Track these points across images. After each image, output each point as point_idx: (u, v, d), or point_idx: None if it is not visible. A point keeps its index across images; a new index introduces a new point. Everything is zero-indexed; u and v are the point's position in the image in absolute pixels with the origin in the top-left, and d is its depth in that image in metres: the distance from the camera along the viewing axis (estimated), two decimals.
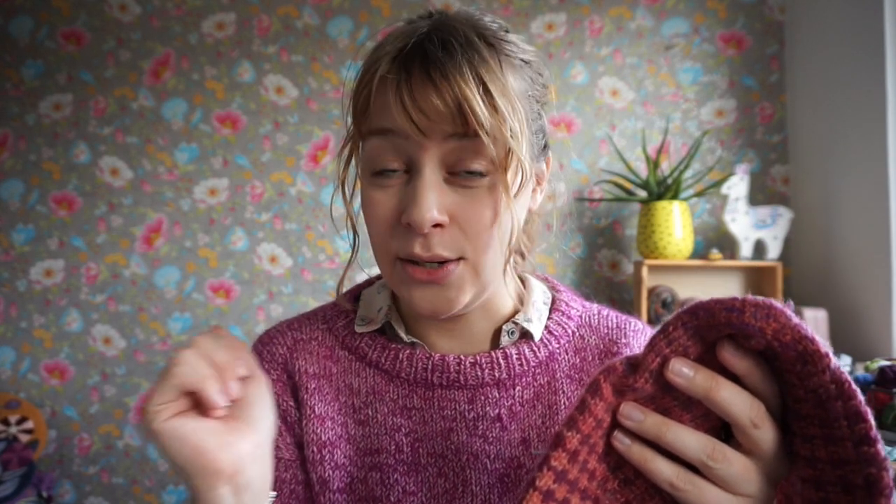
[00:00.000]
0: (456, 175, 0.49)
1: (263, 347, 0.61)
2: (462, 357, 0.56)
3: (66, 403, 2.06)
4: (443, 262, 0.50)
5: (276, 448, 0.55)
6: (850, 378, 0.35)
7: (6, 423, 1.95)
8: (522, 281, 0.63)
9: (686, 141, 2.07)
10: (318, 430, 0.56)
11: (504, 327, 0.58)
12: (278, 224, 2.10)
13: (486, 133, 0.46)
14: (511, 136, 0.47)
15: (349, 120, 0.53)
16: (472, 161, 0.48)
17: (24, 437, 1.95)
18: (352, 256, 0.58)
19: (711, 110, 2.08)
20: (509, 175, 0.49)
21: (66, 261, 2.09)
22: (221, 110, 2.11)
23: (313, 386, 0.57)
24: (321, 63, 2.12)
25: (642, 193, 1.98)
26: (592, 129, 2.09)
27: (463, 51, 0.47)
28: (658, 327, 0.39)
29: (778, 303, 0.35)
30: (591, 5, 2.10)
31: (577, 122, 2.09)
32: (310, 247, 2.10)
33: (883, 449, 0.35)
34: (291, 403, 0.57)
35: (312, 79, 2.12)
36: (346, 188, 0.56)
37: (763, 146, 2.07)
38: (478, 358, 0.56)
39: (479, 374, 0.55)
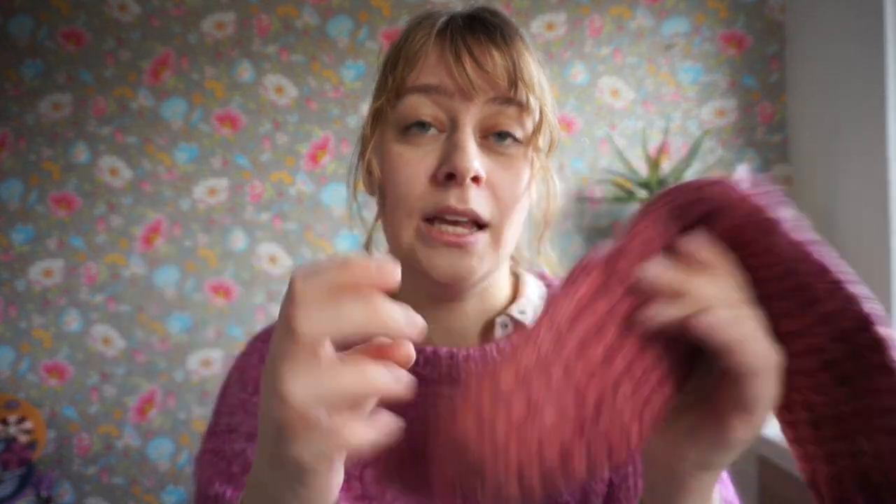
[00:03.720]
0: (489, 140, 0.50)
1: (263, 345, 0.60)
2: (455, 350, 0.54)
3: (66, 403, 2.06)
4: (473, 227, 0.50)
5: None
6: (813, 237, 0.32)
7: (5, 423, 1.95)
8: (516, 277, 0.62)
9: (686, 141, 2.07)
10: None
11: (497, 319, 0.56)
12: (278, 224, 2.10)
13: (534, 94, 0.50)
14: (547, 106, 0.52)
15: (388, 76, 0.53)
16: (509, 126, 0.50)
17: (24, 438, 1.95)
18: (377, 217, 0.58)
19: (712, 110, 2.08)
20: (540, 142, 0.52)
21: (66, 261, 2.09)
22: (221, 110, 2.11)
23: None
24: (321, 63, 2.12)
25: (643, 193, 1.97)
26: (592, 128, 2.08)
27: (511, 24, 0.53)
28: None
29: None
30: (591, 5, 2.10)
31: (577, 122, 2.08)
32: (310, 247, 2.09)
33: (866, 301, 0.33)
34: None
35: (312, 78, 2.11)
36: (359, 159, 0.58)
37: (763, 146, 2.07)
38: (471, 352, 0.54)
39: (473, 368, 0.54)
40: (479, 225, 0.50)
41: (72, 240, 2.09)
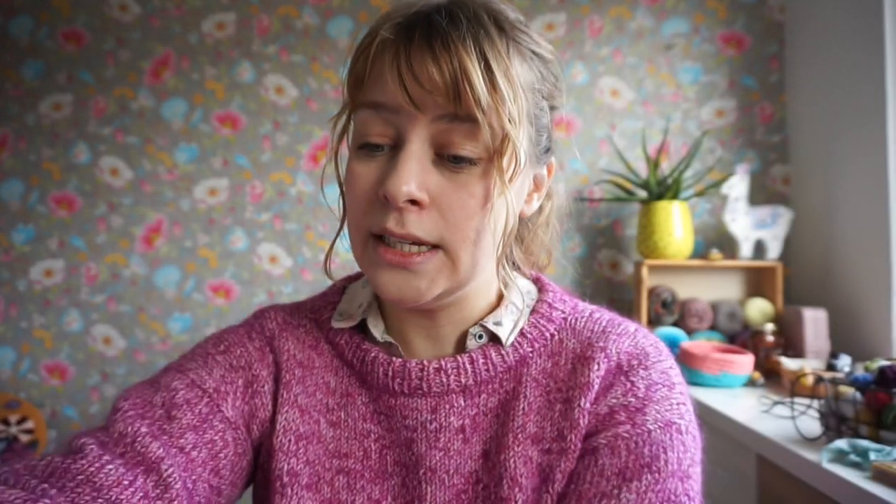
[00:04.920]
0: (444, 158, 0.47)
1: (255, 320, 0.60)
2: (426, 363, 0.53)
3: (67, 403, 2.06)
4: (417, 245, 0.47)
5: (222, 400, 0.52)
6: None
7: (6, 423, 1.95)
8: (506, 284, 0.58)
9: (686, 141, 2.07)
10: (298, 421, 0.53)
11: (470, 330, 0.54)
12: (278, 224, 2.10)
13: (483, 112, 0.44)
14: (508, 121, 0.45)
15: (344, 90, 0.51)
16: (463, 145, 0.46)
17: (25, 438, 1.95)
18: (340, 227, 0.57)
19: (711, 110, 2.08)
20: (504, 163, 0.46)
21: (66, 261, 2.09)
22: (221, 110, 2.11)
23: (299, 374, 0.55)
24: (321, 63, 2.12)
25: (642, 193, 1.98)
26: (592, 129, 2.09)
27: (469, 25, 0.45)
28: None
29: None
30: (591, 5, 2.10)
31: (577, 122, 2.09)
32: (310, 247, 2.10)
33: None
34: (265, 374, 0.55)
35: (312, 79, 2.12)
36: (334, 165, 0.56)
37: (763, 146, 2.07)
38: (443, 363, 0.52)
39: (445, 380, 0.52)
40: (432, 244, 0.47)
41: (72, 240, 2.09)
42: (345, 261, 2.07)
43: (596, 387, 0.50)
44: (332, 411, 0.54)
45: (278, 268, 2.10)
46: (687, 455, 0.48)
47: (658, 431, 0.48)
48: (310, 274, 2.09)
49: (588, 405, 0.50)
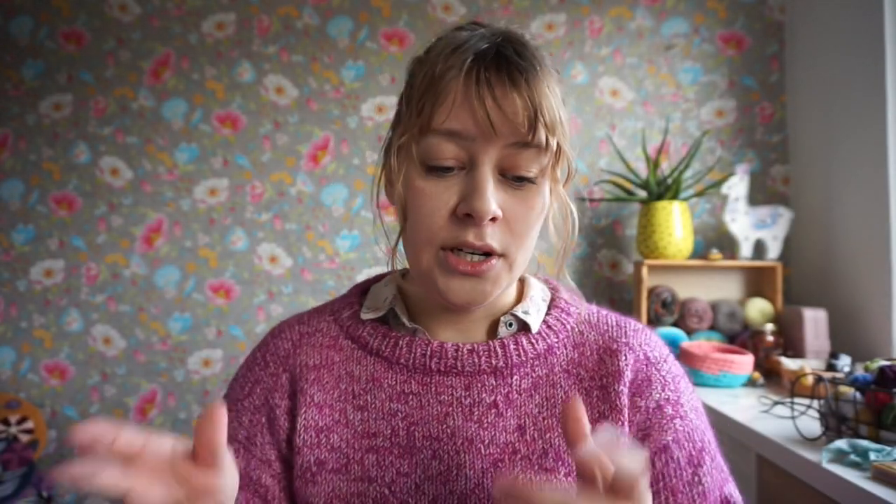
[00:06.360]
0: (507, 178, 0.53)
1: (272, 339, 0.65)
2: (460, 345, 0.59)
3: (66, 403, 2.06)
4: (486, 255, 0.53)
5: (253, 445, 0.60)
6: None
7: (6, 423, 1.95)
8: (522, 281, 0.66)
9: (686, 141, 2.07)
10: (316, 417, 0.59)
11: (502, 318, 0.61)
12: (278, 224, 2.10)
13: (553, 136, 0.52)
14: (565, 140, 0.54)
15: (404, 109, 0.56)
16: (528, 167, 0.53)
17: (25, 437, 1.95)
18: (396, 240, 0.60)
19: (711, 110, 2.08)
20: (558, 174, 0.56)
21: (66, 261, 2.09)
22: (221, 110, 2.11)
23: (313, 377, 0.60)
24: (321, 63, 2.12)
25: (642, 193, 1.98)
26: (592, 129, 2.09)
27: (535, 61, 0.53)
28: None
29: None
30: (591, 5, 2.10)
31: (577, 122, 2.09)
32: (310, 247, 2.10)
33: None
34: (279, 398, 0.61)
35: (312, 79, 2.12)
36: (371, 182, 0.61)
37: (763, 146, 2.07)
38: (475, 346, 0.59)
39: (476, 361, 0.58)
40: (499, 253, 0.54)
41: (72, 240, 2.09)
42: (345, 261, 2.07)
43: (627, 374, 0.58)
44: (359, 396, 0.59)
45: (278, 268, 2.10)
46: (711, 432, 0.61)
47: (695, 418, 0.59)
48: (310, 274, 2.09)
49: (624, 389, 0.58)
